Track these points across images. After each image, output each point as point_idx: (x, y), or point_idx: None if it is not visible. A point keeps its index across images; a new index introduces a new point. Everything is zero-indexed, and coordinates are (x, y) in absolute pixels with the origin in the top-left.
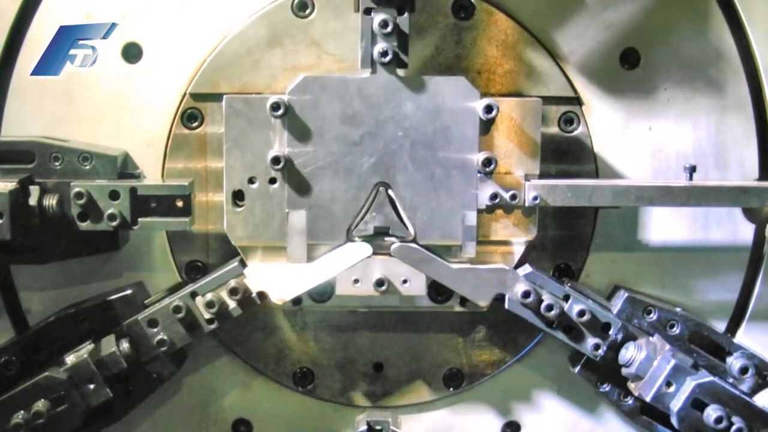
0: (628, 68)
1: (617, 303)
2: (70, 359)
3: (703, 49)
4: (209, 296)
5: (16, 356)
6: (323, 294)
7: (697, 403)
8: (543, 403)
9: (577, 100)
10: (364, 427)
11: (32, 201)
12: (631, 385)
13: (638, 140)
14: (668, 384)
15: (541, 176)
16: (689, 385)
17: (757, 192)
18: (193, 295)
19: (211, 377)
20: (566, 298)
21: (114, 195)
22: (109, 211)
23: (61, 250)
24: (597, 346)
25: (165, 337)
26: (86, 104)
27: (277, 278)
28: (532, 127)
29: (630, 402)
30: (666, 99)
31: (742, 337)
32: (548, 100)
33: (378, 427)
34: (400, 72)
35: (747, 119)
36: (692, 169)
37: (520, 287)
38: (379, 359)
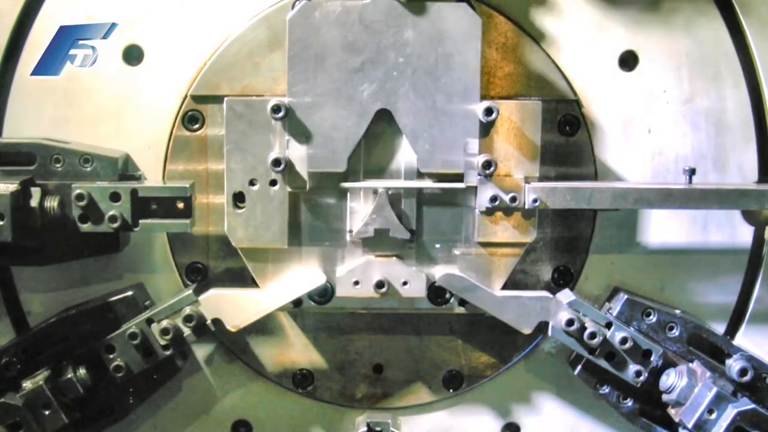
0: (627, 71)
1: (616, 305)
2: (26, 385)
3: (702, 52)
4: (164, 323)
5: (16, 357)
6: (323, 295)
7: (738, 430)
8: (542, 404)
9: (576, 103)
10: (364, 429)
11: (33, 203)
12: (672, 411)
13: (637, 143)
14: (710, 411)
15: (541, 179)
16: (731, 412)
17: (756, 194)
18: (149, 321)
19: (211, 379)
20: (608, 325)
21: (115, 197)
22: (110, 213)
23: (62, 252)
24: (639, 373)
25: (121, 363)
26: (87, 106)
27: (232, 305)
28: (531, 130)
29: (629, 404)
30: (665, 101)
31: (741, 339)
32: (548, 102)
33: (378, 429)
34: None
35: (746, 122)
36: (692, 172)
37: (564, 315)
38: (379, 361)
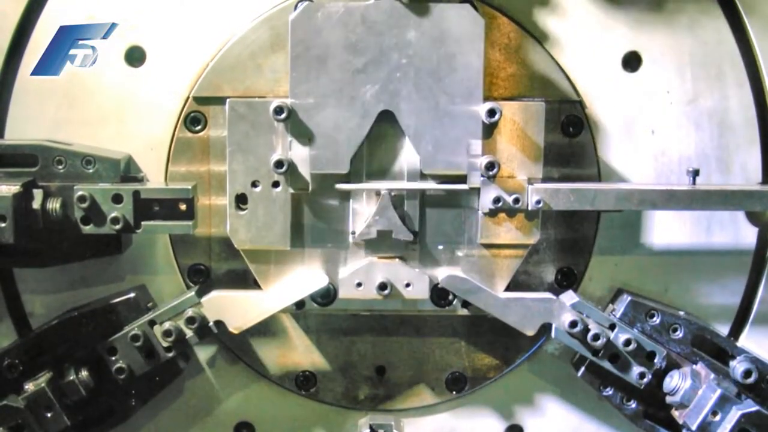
0: (630, 71)
1: (620, 307)
2: (29, 387)
3: (706, 53)
4: (167, 325)
5: (18, 359)
6: (326, 297)
7: None
8: (545, 406)
9: (579, 104)
10: (367, 431)
11: (35, 204)
12: (676, 413)
13: (641, 144)
14: (714, 413)
15: (544, 180)
16: (735, 414)
17: (760, 195)
18: (152, 323)
19: (213, 380)
20: (612, 327)
21: (117, 198)
22: (112, 215)
23: (64, 254)
24: (642, 375)
25: (123, 365)
26: (89, 107)
27: (234, 307)
28: (534, 131)
29: (632, 406)
30: (668, 102)
31: (745, 340)
32: (551, 103)
33: (380, 431)
34: None
35: (750, 123)
36: (695, 173)
37: (567, 317)
38: (382, 363)
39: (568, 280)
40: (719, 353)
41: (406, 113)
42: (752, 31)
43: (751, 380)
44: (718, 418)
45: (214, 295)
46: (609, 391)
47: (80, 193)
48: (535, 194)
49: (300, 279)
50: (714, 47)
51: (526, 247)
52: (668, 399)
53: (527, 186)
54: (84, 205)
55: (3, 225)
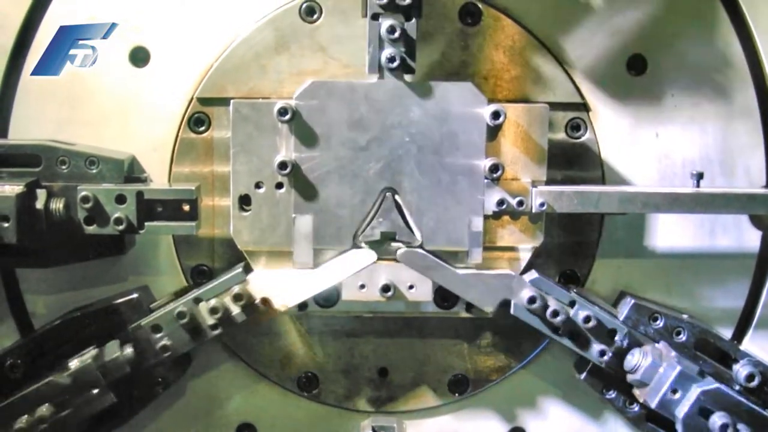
0: (634, 74)
1: (623, 309)
2: (74, 364)
3: (710, 56)
4: (213, 302)
5: (21, 359)
6: (329, 299)
7: (702, 410)
8: (548, 409)
9: (584, 107)
10: None
11: (39, 205)
12: (636, 392)
13: (645, 147)
14: (674, 391)
15: (548, 182)
16: (695, 391)
17: (764, 199)
18: (197, 300)
19: (215, 382)
20: (572, 304)
21: (120, 199)
22: (116, 215)
23: (67, 254)
24: (603, 353)
25: (169, 343)
26: (93, 108)
27: (281, 284)
28: (538, 133)
29: (635, 409)
30: (673, 105)
31: (748, 344)
32: (555, 106)
33: None
34: (407, 77)
35: (754, 126)
36: (699, 176)
37: (526, 293)
38: (384, 364)
39: (571, 282)
40: (722, 357)
41: (409, 190)
42: (757, 35)
43: (754, 384)
44: (678, 395)
45: (261, 272)
46: (612, 394)
47: (83, 193)
48: (539, 197)
49: (347, 257)
50: (718, 50)
51: (530, 250)
52: (629, 377)
53: (531, 188)
54: (87, 206)
55: (6, 225)
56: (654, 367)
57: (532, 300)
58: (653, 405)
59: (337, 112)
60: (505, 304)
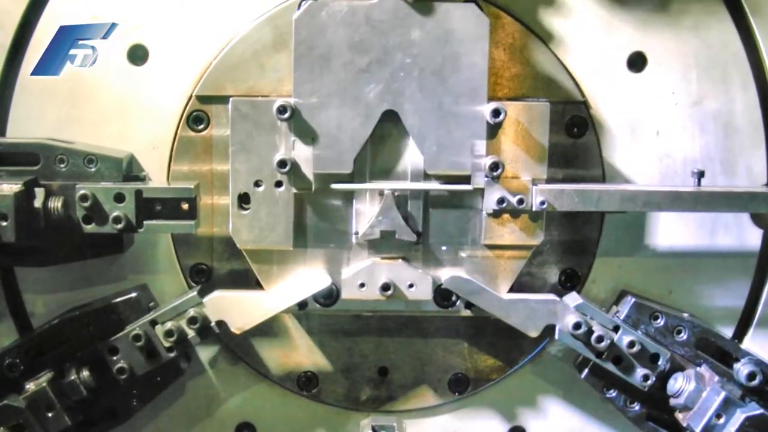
0: (635, 72)
1: (624, 308)
2: (30, 387)
3: (711, 54)
4: (168, 325)
5: (19, 359)
6: (328, 298)
7: None
8: (548, 408)
9: (584, 105)
10: None
11: (37, 203)
12: (679, 416)
13: (645, 145)
14: (718, 416)
15: (548, 181)
16: (739, 417)
17: (765, 198)
18: (153, 323)
19: (215, 381)
20: (616, 329)
21: (119, 198)
22: (114, 214)
23: (66, 253)
24: (646, 377)
25: (125, 365)
26: (92, 106)
27: (236, 308)
28: (539, 132)
29: (636, 408)
30: (674, 103)
31: (749, 343)
32: (556, 104)
33: None
34: None
35: (755, 124)
36: (700, 175)
37: (571, 319)
38: (384, 364)
39: (571, 281)
40: (723, 356)
41: (410, 113)
42: (758, 33)
43: (755, 383)
44: (722, 420)
45: (216, 295)
46: (612, 393)
47: (82, 192)
48: (540, 195)
49: (303, 279)
50: (720, 48)
51: (530, 249)
52: (672, 401)
53: (531, 187)
54: (86, 204)
55: (5, 224)
56: (698, 392)
57: (577, 326)
58: (698, 430)
59: (337, 33)
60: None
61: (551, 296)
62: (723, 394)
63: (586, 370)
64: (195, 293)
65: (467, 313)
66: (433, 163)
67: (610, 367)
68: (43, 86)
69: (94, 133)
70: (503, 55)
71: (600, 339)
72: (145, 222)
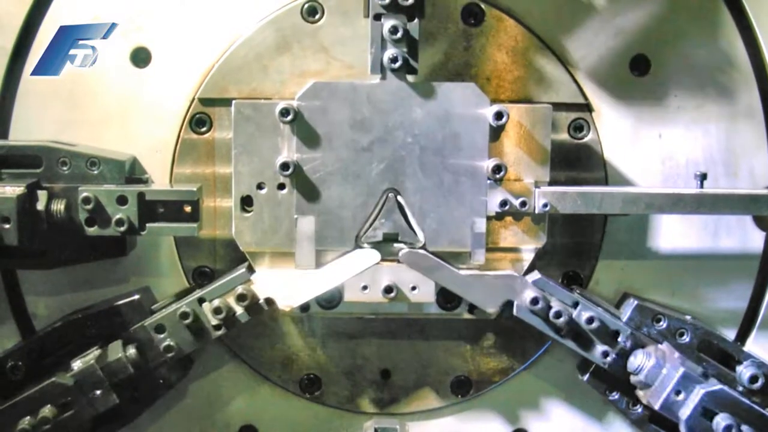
0: (638, 75)
1: (626, 311)
2: (77, 365)
3: (714, 57)
4: (216, 302)
5: (22, 361)
6: (331, 300)
7: (706, 412)
8: (551, 410)
9: (587, 107)
10: None
11: (40, 206)
12: (640, 393)
13: (648, 147)
14: (677, 392)
15: (551, 183)
16: (698, 393)
17: None
18: (201, 301)
19: (217, 383)
20: (575, 305)
21: (122, 200)
22: (117, 217)
23: (68, 255)
24: (606, 354)
25: (172, 343)
26: (93, 108)
27: (285, 285)
28: (542, 134)
29: (638, 410)
30: (676, 106)
31: (751, 345)
32: (558, 106)
33: None
34: (410, 78)
35: (758, 127)
36: (703, 177)
37: (529, 294)
38: (387, 366)
39: (574, 283)
40: (726, 358)
41: (411, 191)
42: (760, 35)
43: (757, 385)
44: (681, 397)
45: (265, 272)
46: (615, 396)
47: (85, 194)
48: (542, 197)
49: (351, 257)
50: (722, 51)
51: (533, 251)
52: (632, 378)
53: (534, 189)
54: (88, 207)
55: (7, 226)
56: (657, 368)
57: (534, 301)
58: (656, 406)
59: (339, 112)
60: (508, 305)
61: (510, 272)
62: (682, 371)
63: (588, 373)
64: (244, 269)
65: (470, 315)
66: (433, 240)
67: (569, 344)
68: (43, 86)
69: (96, 135)
70: (506, 57)
71: (558, 315)
72: (147, 224)
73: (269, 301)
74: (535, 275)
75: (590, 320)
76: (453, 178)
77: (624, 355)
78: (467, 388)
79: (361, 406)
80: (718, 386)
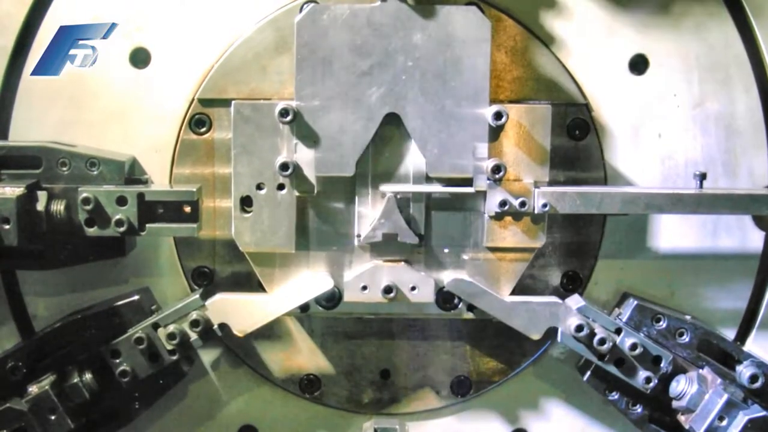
0: (637, 74)
1: (626, 311)
2: (32, 390)
3: (713, 56)
4: (171, 328)
5: (21, 362)
6: (331, 300)
7: None
8: (551, 410)
9: (586, 107)
10: None
11: (39, 206)
12: (681, 418)
13: (647, 147)
14: (720, 418)
15: (550, 183)
16: (742, 419)
17: (767, 200)
18: (156, 326)
19: (217, 384)
20: (618, 331)
21: (121, 201)
22: (117, 217)
23: (68, 256)
24: (648, 380)
25: (127, 368)
26: (93, 108)
27: (238, 310)
28: (541, 134)
29: (638, 410)
30: (675, 106)
31: (751, 345)
32: (557, 106)
33: None
34: (410, 0)
35: (757, 126)
36: (702, 177)
37: (573, 321)
38: (387, 366)
39: (573, 283)
40: (725, 358)
41: (412, 116)
42: (760, 34)
43: (757, 385)
44: (724, 423)
45: (219, 297)
46: (614, 396)
47: (84, 195)
48: (542, 197)
49: (305, 282)
50: (721, 50)
51: (532, 251)
52: (674, 404)
53: (533, 189)
54: (88, 207)
55: (7, 227)
56: (700, 394)
57: (579, 328)
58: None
59: (338, 36)
60: (552, 331)
61: (553, 299)
62: (725, 397)
63: (588, 373)
64: (197, 296)
65: (469, 315)
66: (435, 166)
67: (612, 369)
68: (43, 87)
69: (96, 136)
70: (505, 57)
71: (602, 341)
72: (147, 225)
73: (223, 327)
74: (579, 301)
75: (633, 346)
76: (454, 102)
77: (663, 379)
78: (467, 388)
79: (361, 407)
80: (762, 413)
